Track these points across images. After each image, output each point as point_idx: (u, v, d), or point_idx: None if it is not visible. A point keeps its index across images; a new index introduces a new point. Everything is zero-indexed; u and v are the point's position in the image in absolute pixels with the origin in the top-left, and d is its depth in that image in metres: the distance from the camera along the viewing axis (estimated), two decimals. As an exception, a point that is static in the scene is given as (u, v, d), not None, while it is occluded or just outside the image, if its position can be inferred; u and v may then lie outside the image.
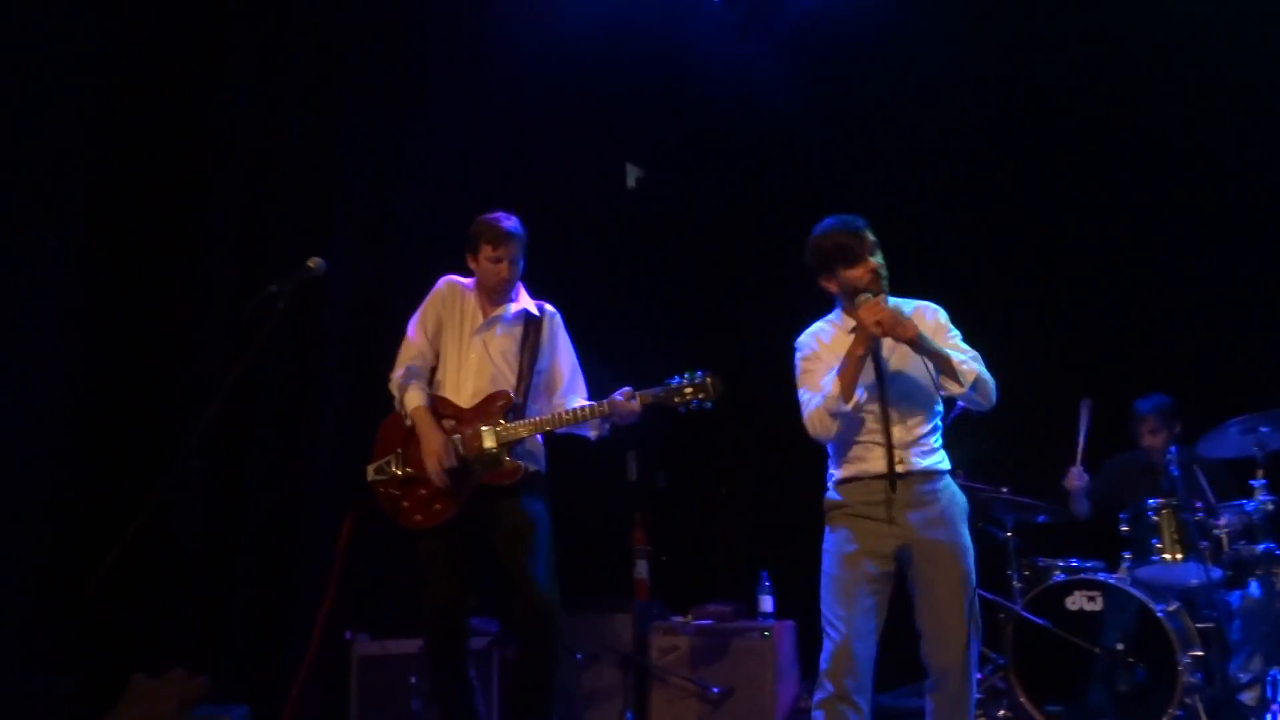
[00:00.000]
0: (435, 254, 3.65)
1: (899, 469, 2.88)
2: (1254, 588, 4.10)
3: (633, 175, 5.84)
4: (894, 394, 2.92)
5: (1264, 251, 4.73)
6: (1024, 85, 5.14)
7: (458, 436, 3.20)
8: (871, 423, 2.92)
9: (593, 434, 3.27)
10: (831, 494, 3.04)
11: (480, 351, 3.29)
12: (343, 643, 3.96)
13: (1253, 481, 4.02)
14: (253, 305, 2.81)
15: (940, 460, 2.99)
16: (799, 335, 3.09)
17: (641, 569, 4.96)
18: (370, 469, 3.28)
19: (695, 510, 5.88)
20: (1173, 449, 4.42)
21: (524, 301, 3.40)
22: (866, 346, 2.81)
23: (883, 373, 2.94)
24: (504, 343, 3.32)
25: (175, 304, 3.97)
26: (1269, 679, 3.83)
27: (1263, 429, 3.99)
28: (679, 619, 4.66)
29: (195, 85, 4.11)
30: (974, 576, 2.90)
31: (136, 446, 3.66)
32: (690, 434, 5.61)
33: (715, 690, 4.37)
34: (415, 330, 3.37)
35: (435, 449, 3.14)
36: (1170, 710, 3.70)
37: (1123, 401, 4.72)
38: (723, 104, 5.40)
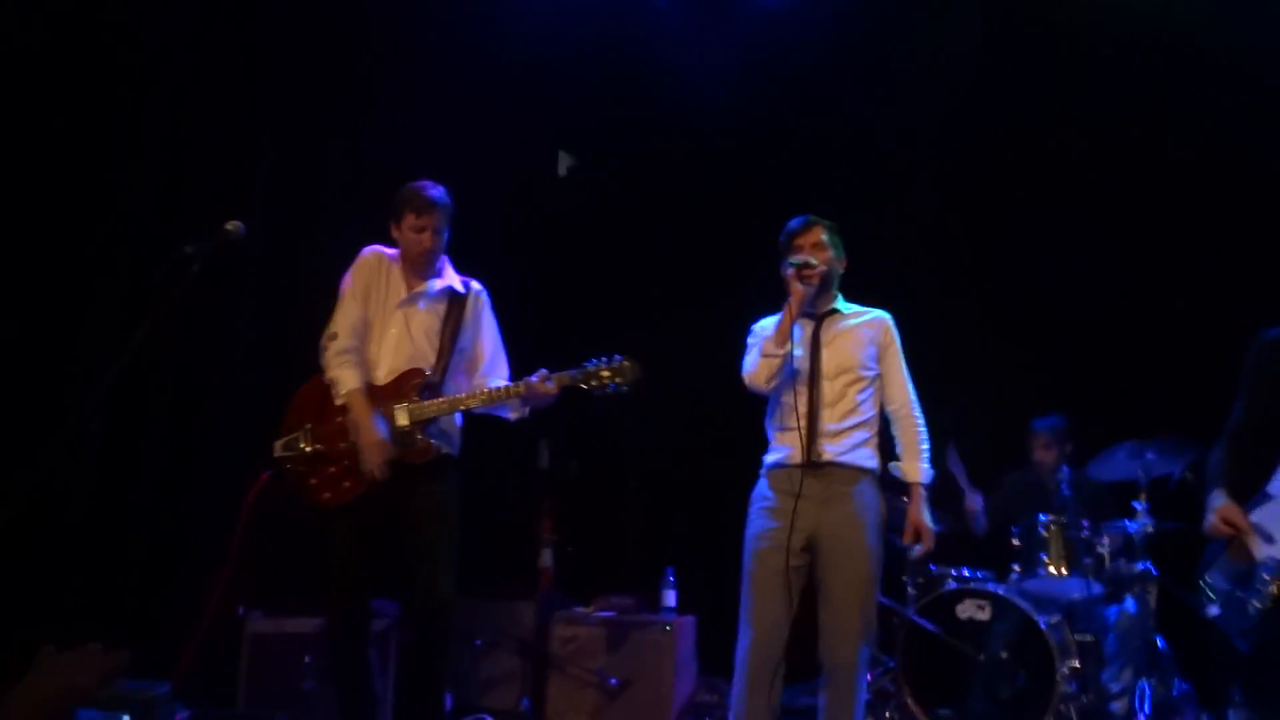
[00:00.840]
0: (360, 226, 3.57)
1: (815, 458, 3.00)
2: (1130, 603, 4.32)
3: (564, 163, 5.82)
4: (825, 386, 3.06)
5: (1160, 283, 4.96)
6: (961, 100, 5.27)
7: None
8: (800, 407, 3.03)
9: (512, 415, 3.24)
10: (759, 484, 3.14)
11: (400, 327, 3.22)
12: (234, 619, 3.84)
13: (1135, 504, 4.23)
14: (164, 266, 2.71)
15: (863, 458, 3.09)
16: (757, 320, 3.25)
17: (546, 557, 4.96)
18: (278, 445, 3.19)
19: (604, 502, 5.89)
20: (1064, 469, 4.63)
21: (449, 278, 3.32)
22: (796, 305, 3.01)
23: (817, 364, 3.07)
24: (427, 319, 3.24)
25: (83, 261, 3.79)
26: (1137, 690, 4.04)
27: (1149, 455, 4.19)
28: (581, 609, 4.67)
29: (112, 32, 3.93)
30: (876, 580, 3.01)
31: (36, 408, 3.47)
32: (603, 425, 5.63)
33: (613, 681, 4.39)
34: (347, 298, 3.23)
35: (372, 442, 3.02)
36: (1046, 717, 3.87)
37: (1021, 420, 4.92)
38: (660, 96, 5.40)
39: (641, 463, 5.82)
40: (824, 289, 3.15)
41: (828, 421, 3.03)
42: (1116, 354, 4.98)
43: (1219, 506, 2.65)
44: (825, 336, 3.14)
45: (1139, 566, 4.21)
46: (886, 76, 5.23)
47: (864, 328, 3.18)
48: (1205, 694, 4.18)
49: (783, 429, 3.10)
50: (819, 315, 3.18)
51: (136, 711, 1.49)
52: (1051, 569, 4.24)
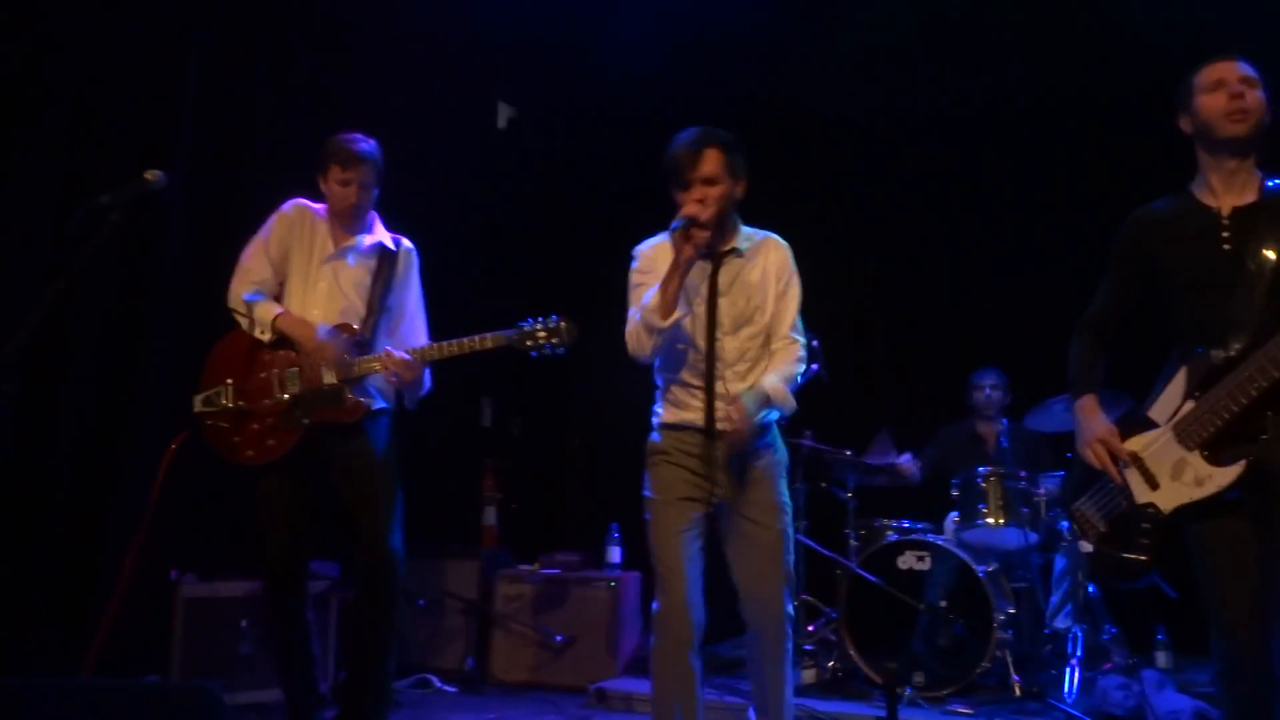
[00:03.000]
0: (288, 178, 3.44)
1: (719, 425, 2.71)
2: (1064, 552, 4.41)
3: (504, 115, 5.69)
4: (726, 342, 2.76)
5: (1095, 236, 5.01)
6: (888, 67, 5.25)
7: (295, 370, 3.05)
8: (699, 366, 2.75)
9: (405, 399, 3.16)
10: (654, 436, 2.85)
11: (330, 280, 3.13)
12: (167, 583, 3.74)
13: (1071, 455, 4.30)
14: (78, 217, 2.57)
15: (765, 414, 2.75)
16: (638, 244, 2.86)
17: (490, 516, 4.92)
18: (198, 400, 3.09)
19: (548, 459, 5.85)
20: (1003, 421, 4.70)
21: (379, 234, 3.24)
22: (681, 268, 2.62)
23: (714, 315, 2.76)
24: (356, 274, 3.16)
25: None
26: (1070, 635, 4.15)
27: (1084, 405, 4.26)
28: (526, 567, 4.66)
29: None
30: (791, 532, 2.79)
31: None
32: (546, 382, 5.57)
33: (558, 638, 4.39)
34: (254, 255, 3.15)
35: (317, 345, 3.00)
36: (983, 663, 3.95)
37: (957, 375, 4.98)
38: (601, 49, 5.30)
39: (584, 419, 5.78)
40: (718, 229, 2.71)
41: (722, 387, 2.72)
42: (1053, 307, 5.04)
43: (1099, 432, 2.42)
44: (723, 281, 2.75)
45: (1073, 516, 4.29)
46: (833, 36, 5.18)
47: (763, 265, 2.80)
48: (1133, 637, 4.30)
49: (680, 386, 2.79)
50: (717, 254, 2.76)
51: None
52: (990, 519, 4.31)
